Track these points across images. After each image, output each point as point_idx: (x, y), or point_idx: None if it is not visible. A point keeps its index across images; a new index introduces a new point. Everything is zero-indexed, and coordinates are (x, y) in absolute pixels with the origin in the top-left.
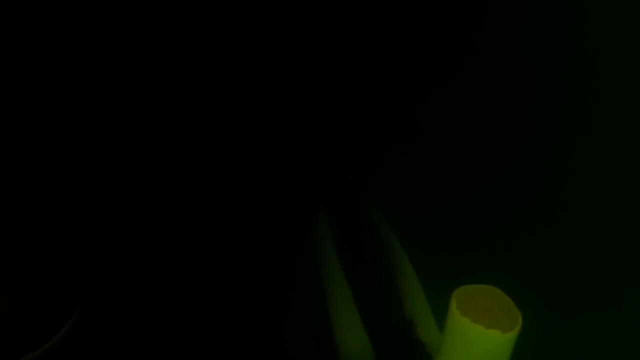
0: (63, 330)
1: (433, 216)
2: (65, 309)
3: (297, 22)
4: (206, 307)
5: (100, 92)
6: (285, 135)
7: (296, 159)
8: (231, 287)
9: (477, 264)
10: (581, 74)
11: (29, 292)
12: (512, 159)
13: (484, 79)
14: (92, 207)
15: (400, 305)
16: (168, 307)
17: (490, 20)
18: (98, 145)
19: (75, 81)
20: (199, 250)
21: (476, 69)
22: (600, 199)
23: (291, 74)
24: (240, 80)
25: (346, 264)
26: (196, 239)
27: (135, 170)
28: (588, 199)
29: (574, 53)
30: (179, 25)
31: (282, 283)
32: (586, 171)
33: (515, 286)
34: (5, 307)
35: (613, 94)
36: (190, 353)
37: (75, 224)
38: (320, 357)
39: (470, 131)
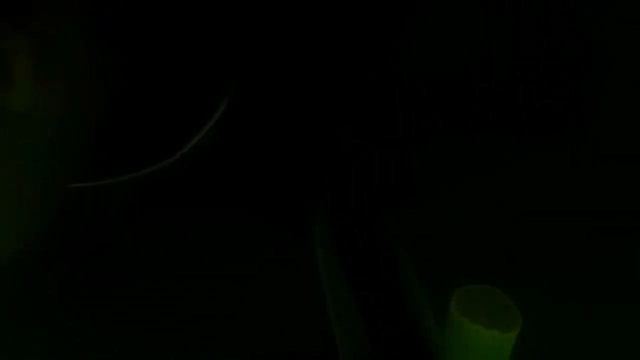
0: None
1: (434, 216)
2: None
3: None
4: (206, 306)
5: None
6: (288, 134)
7: (298, 157)
8: (231, 286)
9: (479, 264)
10: None
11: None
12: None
13: None
14: None
15: (400, 305)
16: (167, 307)
17: None
18: None
19: None
20: (198, 248)
21: None
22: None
23: (295, 70)
24: (244, 76)
25: (346, 264)
26: (195, 236)
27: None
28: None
29: None
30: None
31: (282, 283)
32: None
33: (516, 286)
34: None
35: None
36: (189, 353)
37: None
38: (320, 356)
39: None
